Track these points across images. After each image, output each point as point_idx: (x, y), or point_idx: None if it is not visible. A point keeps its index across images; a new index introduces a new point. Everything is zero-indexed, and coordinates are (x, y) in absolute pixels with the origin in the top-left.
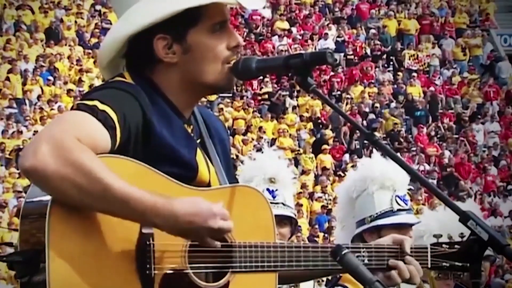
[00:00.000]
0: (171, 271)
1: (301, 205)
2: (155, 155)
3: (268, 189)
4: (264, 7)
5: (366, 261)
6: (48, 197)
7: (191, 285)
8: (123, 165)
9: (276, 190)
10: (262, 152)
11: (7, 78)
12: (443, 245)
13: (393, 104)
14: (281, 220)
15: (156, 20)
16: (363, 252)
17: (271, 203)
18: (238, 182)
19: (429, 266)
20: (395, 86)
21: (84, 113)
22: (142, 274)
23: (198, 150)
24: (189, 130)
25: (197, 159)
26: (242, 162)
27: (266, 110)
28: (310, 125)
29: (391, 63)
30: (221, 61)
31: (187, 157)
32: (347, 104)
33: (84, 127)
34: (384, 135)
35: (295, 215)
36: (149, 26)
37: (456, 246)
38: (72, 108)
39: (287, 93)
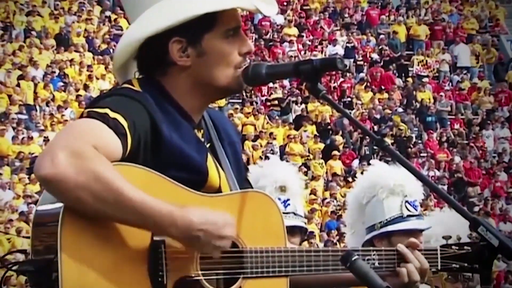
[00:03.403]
0: (182, 278)
1: (313, 211)
2: (164, 161)
3: (279, 199)
4: (277, 13)
5: (376, 264)
6: (60, 204)
7: None
8: (134, 173)
9: (288, 200)
10: (269, 159)
11: (17, 85)
12: (453, 247)
13: (403, 110)
14: (292, 229)
15: (176, 22)
16: (374, 255)
17: (282, 213)
18: (250, 184)
19: (439, 267)
20: (405, 91)
21: (96, 121)
22: (155, 281)
23: (209, 155)
24: (199, 135)
25: (207, 164)
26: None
27: (278, 116)
28: (313, 130)
29: (402, 69)
30: (233, 66)
31: (198, 161)
32: (357, 110)
33: (98, 135)
34: (393, 141)
35: (305, 223)
36: (167, 29)
37: (465, 247)
38: (82, 116)
39: (295, 99)
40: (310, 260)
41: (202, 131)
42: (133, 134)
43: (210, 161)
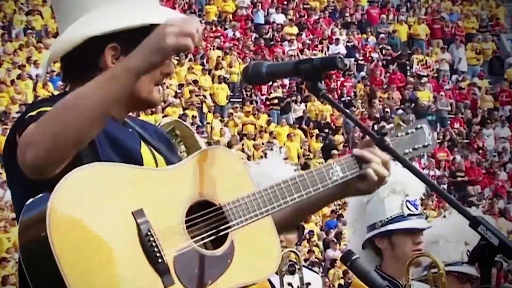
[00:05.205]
0: (179, 251)
1: None
2: (103, 156)
3: None
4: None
5: (341, 175)
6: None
7: (202, 257)
8: (90, 173)
9: None
10: (267, 158)
11: (17, 84)
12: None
13: (402, 109)
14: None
15: (122, 28)
16: (335, 167)
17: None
18: None
19: (392, 157)
20: (405, 91)
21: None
22: (156, 264)
23: (142, 143)
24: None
25: (141, 151)
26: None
27: (279, 115)
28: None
29: (402, 68)
30: (154, 83)
31: (132, 146)
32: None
33: None
34: None
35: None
36: (111, 32)
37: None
38: (21, 131)
39: (294, 98)
40: (284, 193)
41: (129, 130)
42: None
43: (144, 148)
